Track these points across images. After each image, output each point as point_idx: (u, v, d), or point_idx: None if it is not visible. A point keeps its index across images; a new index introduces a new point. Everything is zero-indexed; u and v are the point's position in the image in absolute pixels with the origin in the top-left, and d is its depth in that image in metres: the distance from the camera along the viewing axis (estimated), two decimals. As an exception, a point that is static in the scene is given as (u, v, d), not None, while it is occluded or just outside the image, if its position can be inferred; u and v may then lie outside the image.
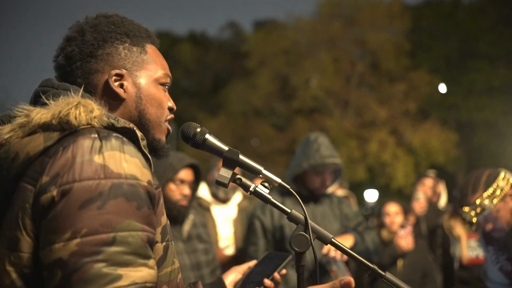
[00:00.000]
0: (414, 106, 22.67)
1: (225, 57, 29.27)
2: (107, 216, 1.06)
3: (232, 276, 1.73)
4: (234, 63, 28.02)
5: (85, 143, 1.12)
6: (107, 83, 1.31)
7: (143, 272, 1.08)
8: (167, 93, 1.42)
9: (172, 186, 2.96)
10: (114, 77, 1.31)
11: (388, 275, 1.40)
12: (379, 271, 1.40)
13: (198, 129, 1.44)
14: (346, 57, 23.61)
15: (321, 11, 24.28)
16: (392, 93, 22.90)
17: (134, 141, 1.22)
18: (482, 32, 24.43)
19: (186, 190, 2.99)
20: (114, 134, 1.17)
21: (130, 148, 1.16)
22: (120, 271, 1.04)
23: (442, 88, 23.25)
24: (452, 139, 22.64)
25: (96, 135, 1.15)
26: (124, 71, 1.32)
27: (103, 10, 1.39)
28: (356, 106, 23.38)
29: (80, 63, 1.31)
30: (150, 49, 1.39)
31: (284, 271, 1.72)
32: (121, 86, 1.32)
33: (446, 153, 22.28)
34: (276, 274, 1.68)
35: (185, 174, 3.00)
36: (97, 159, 1.11)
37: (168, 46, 28.45)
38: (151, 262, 1.11)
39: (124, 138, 1.18)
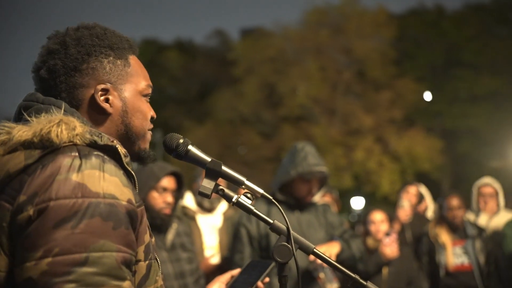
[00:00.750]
0: (399, 114, 22.85)
1: (212, 65, 29.27)
2: (81, 235, 1.06)
3: (216, 287, 1.72)
4: (221, 71, 28.02)
5: (64, 161, 1.12)
6: (93, 98, 1.30)
7: None
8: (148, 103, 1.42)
9: (155, 194, 2.95)
10: (100, 92, 1.31)
11: (370, 284, 1.41)
12: (361, 280, 1.41)
13: (181, 140, 1.45)
14: (333, 65, 23.74)
15: (308, 19, 24.44)
16: (378, 101, 23.06)
17: (117, 158, 1.22)
18: (465, 41, 24.77)
19: (169, 198, 2.98)
20: (95, 152, 1.16)
21: (110, 166, 1.16)
22: None
23: (427, 96, 23.49)
24: (437, 146, 22.83)
25: (77, 154, 1.14)
26: (109, 86, 1.32)
27: (85, 21, 1.38)
28: (342, 114, 23.50)
29: (64, 77, 1.30)
30: (133, 60, 1.39)
31: (267, 279, 1.71)
32: (107, 100, 1.32)
33: (431, 160, 22.46)
34: (259, 283, 1.67)
35: (168, 182, 3.00)
36: (75, 177, 1.10)
37: (155, 53, 28.40)
38: (126, 284, 1.10)
39: (105, 156, 1.17)
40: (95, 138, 1.19)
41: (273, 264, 1.73)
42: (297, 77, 23.16)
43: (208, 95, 27.24)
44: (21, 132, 1.16)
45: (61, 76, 1.29)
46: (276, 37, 24.78)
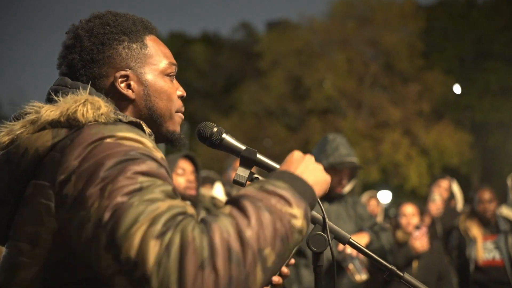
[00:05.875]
0: (428, 106, 22.51)
1: (237, 58, 29.29)
2: (154, 170, 1.08)
3: None
4: (246, 64, 28.02)
5: (92, 131, 1.13)
6: (113, 86, 1.31)
7: None
8: (174, 81, 1.41)
9: (175, 176, 3.10)
10: (120, 79, 1.31)
11: (407, 276, 1.39)
12: (398, 271, 1.39)
13: (215, 129, 1.43)
14: (359, 58, 23.51)
15: (334, 11, 24.22)
16: (405, 93, 22.76)
17: None
18: (496, 32, 24.20)
19: (191, 177, 3.13)
20: (123, 123, 1.19)
21: (141, 132, 1.17)
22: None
23: (457, 88, 23.06)
24: (467, 140, 22.43)
25: (103, 124, 1.16)
26: (128, 71, 1.32)
27: (97, 11, 1.38)
28: (370, 107, 23.27)
29: (84, 70, 1.32)
30: (150, 40, 1.38)
31: (292, 261, 1.57)
32: (128, 86, 1.32)
33: (460, 154, 22.08)
34: (283, 268, 1.53)
35: (184, 164, 3.17)
36: (109, 139, 1.11)
37: (181, 46, 28.56)
38: None
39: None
40: (120, 117, 1.21)
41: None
42: (323, 70, 23.00)
43: (233, 88, 27.29)
44: (49, 111, 1.19)
45: (80, 70, 1.32)
46: (302, 30, 24.64)
